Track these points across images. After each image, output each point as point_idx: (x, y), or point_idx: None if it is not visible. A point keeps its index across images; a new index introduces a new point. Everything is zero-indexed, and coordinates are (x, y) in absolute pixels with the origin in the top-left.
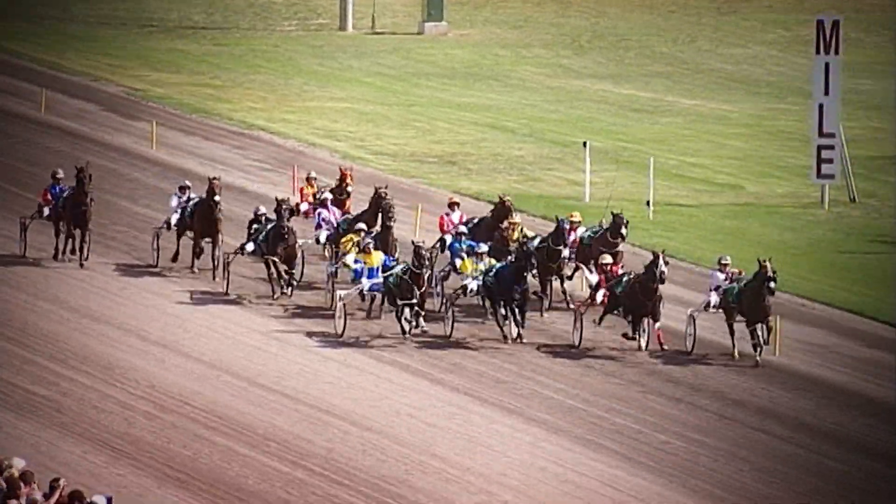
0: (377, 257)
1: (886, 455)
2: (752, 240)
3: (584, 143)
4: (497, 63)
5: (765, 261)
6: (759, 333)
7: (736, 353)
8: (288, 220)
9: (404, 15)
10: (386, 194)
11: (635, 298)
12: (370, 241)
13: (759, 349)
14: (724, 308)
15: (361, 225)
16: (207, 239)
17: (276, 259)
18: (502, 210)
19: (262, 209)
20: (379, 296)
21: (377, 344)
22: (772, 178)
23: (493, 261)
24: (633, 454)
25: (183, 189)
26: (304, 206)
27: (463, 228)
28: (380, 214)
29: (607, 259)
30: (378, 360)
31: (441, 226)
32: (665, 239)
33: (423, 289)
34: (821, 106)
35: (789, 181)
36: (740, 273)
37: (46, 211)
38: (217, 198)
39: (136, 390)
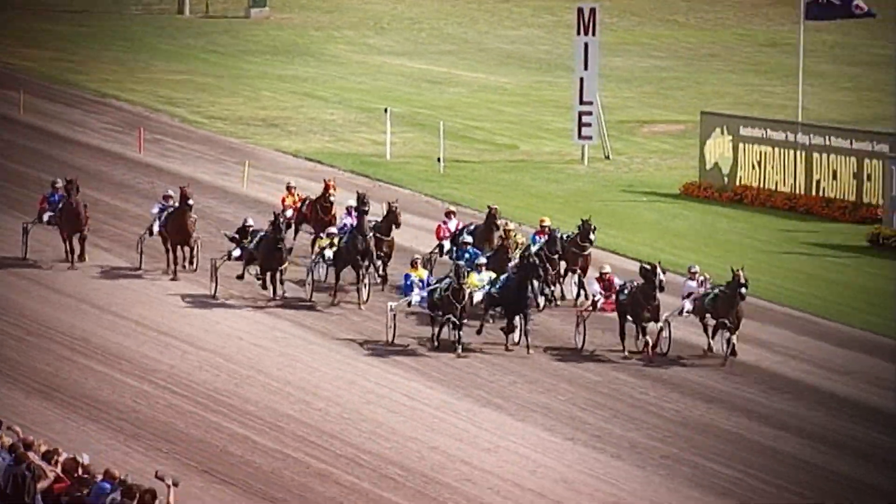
0: (424, 272)
1: (694, 389)
2: (524, 191)
3: (385, 110)
4: (312, 42)
5: (738, 269)
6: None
7: (711, 348)
8: (283, 232)
9: (233, 1)
10: (397, 208)
11: (638, 305)
12: (418, 256)
13: (731, 347)
14: (699, 312)
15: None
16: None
17: (271, 270)
18: (491, 218)
19: (251, 220)
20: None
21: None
22: (541, 139)
23: (492, 273)
24: (427, 370)
25: (166, 198)
26: (288, 213)
27: (468, 238)
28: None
29: (606, 268)
30: (210, 291)
31: (438, 233)
32: (453, 189)
33: (463, 303)
34: (581, 79)
35: (555, 141)
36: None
37: (46, 217)
38: (190, 202)
39: (5, 317)
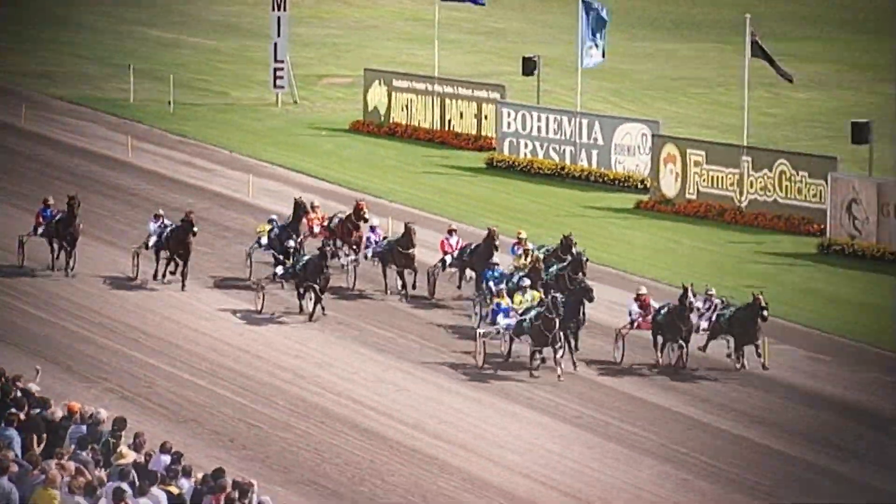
0: (508, 300)
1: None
2: (234, 126)
3: (129, 66)
4: (79, 14)
5: (759, 293)
6: (745, 352)
7: (740, 365)
8: (329, 257)
9: None
10: (413, 228)
11: (673, 325)
12: (504, 287)
13: (741, 365)
14: (718, 331)
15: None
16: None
17: (315, 286)
18: (490, 240)
19: (291, 242)
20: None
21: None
22: (246, 87)
23: (536, 293)
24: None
25: (157, 217)
26: (316, 229)
27: (496, 259)
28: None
29: (643, 290)
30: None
31: (442, 247)
32: (182, 126)
33: (554, 333)
34: (275, 43)
35: (257, 90)
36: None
37: (40, 230)
38: (196, 228)
39: None
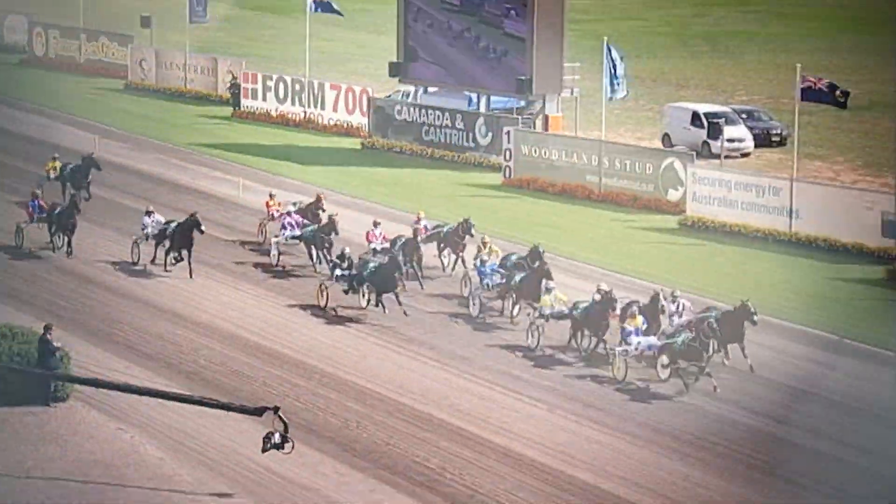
0: (640, 319)
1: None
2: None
3: None
4: None
5: (746, 300)
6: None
7: (726, 361)
8: (402, 267)
9: None
10: (336, 219)
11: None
12: (635, 308)
13: (747, 358)
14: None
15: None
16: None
17: (391, 293)
18: (415, 235)
19: (348, 250)
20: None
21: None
22: None
23: (561, 295)
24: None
25: (149, 213)
26: (275, 213)
27: (485, 257)
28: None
29: (604, 286)
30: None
31: (368, 238)
32: None
33: (708, 355)
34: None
35: None
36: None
37: (35, 218)
38: (203, 228)
39: None
